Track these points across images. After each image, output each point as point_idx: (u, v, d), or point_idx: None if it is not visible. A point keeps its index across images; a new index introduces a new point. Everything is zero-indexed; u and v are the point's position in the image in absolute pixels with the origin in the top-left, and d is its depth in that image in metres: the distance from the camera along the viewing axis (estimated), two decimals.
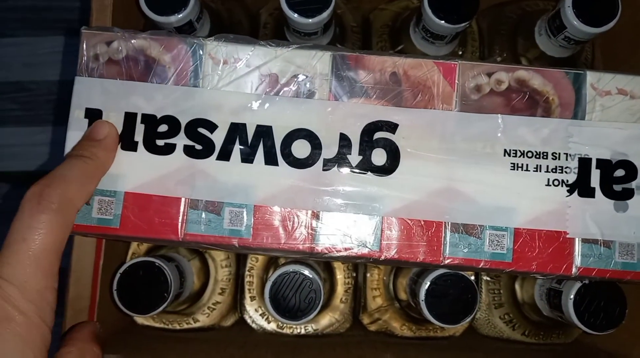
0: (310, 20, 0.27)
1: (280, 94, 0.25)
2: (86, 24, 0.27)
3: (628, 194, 0.25)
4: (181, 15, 0.28)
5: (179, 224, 0.25)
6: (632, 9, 0.32)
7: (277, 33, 0.35)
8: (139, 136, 0.25)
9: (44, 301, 0.20)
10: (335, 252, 0.25)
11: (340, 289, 0.34)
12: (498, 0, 0.36)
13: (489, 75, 0.25)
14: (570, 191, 0.25)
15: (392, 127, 0.25)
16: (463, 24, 0.28)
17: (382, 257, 0.25)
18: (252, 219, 0.25)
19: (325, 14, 0.27)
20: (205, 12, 0.31)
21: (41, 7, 0.46)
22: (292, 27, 0.29)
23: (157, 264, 0.28)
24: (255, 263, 0.34)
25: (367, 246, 0.25)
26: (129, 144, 0.25)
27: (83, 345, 0.24)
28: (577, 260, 0.25)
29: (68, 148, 0.25)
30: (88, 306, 0.28)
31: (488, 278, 0.34)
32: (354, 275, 0.34)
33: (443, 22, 0.28)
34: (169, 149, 0.25)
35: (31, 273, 0.20)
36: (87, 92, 0.25)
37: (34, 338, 0.20)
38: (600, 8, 0.28)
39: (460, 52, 0.35)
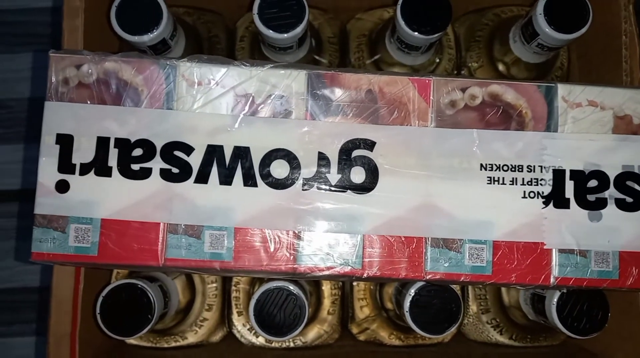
0: (285, 35, 0.27)
1: (256, 114, 0.25)
2: (60, 42, 0.27)
3: (601, 204, 0.25)
4: (154, 34, 0.27)
5: (159, 249, 0.24)
6: (604, 15, 0.32)
7: (254, 47, 0.34)
8: (112, 161, 0.25)
9: None
10: (317, 271, 0.25)
11: (327, 301, 0.34)
12: (474, 7, 0.37)
13: (463, 90, 0.26)
14: (546, 203, 0.25)
15: (370, 145, 0.25)
16: (436, 35, 0.28)
17: (365, 275, 0.25)
18: (233, 242, 0.25)
19: (299, 29, 0.27)
20: (180, 28, 0.31)
21: (17, 23, 0.45)
22: (267, 42, 0.29)
23: (139, 286, 0.27)
24: (241, 278, 0.34)
25: (349, 265, 0.25)
26: (102, 170, 0.25)
27: None
28: (555, 270, 0.25)
29: (41, 176, 0.25)
30: (69, 332, 0.28)
31: None
32: (341, 285, 0.34)
33: (416, 33, 0.28)
34: (144, 174, 0.25)
35: None
36: (57, 117, 0.25)
37: None
38: (572, 14, 0.28)
39: (437, 60, 0.35)
